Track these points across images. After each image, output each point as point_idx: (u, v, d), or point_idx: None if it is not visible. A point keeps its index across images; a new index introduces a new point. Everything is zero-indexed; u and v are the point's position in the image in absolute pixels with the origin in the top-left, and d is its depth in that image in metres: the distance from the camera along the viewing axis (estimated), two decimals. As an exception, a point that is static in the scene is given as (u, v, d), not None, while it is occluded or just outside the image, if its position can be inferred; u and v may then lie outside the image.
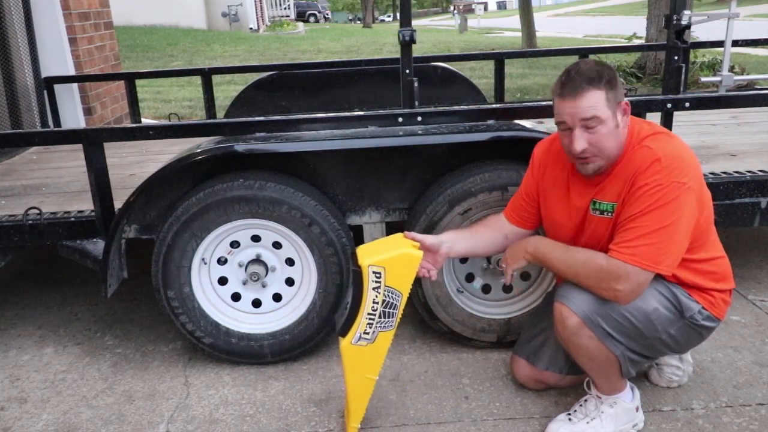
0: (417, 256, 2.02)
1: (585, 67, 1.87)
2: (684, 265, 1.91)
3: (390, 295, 2.00)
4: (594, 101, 1.83)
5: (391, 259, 1.99)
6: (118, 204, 2.51)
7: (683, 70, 2.52)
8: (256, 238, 2.50)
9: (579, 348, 1.95)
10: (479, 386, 2.37)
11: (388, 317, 2.02)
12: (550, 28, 25.77)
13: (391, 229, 2.67)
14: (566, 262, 1.94)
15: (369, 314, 2.00)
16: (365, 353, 2.04)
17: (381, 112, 2.52)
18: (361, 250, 2.05)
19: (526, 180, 2.22)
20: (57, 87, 4.27)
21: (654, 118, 2.49)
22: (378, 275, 1.97)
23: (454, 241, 2.15)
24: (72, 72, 4.46)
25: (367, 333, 2.02)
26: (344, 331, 2.03)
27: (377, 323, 2.02)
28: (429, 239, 2.10)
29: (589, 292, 1.90)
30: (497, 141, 2.42)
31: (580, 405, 2.10)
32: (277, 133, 2.44)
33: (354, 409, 2.11)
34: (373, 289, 1.98)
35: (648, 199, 1.80)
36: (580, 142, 1.86)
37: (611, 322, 1.90)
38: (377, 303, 2.00)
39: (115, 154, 3.49)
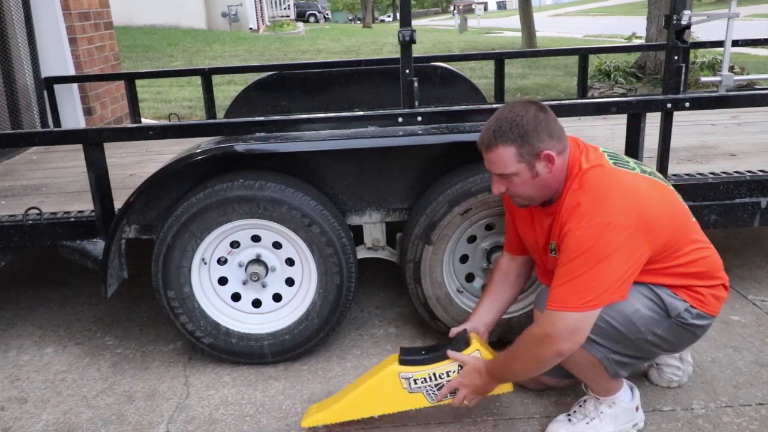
0: None
1: (505, 116, 1.85)
2: (663, 272, 1.90)
3: None
4: (501, 158, 1.86)
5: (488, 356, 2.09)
6: (118, 204, 2.51)
7: (683, 70, 2.51)
8: (256, 238, 2.50)
9: None
10: (479, 386, 2.37)
11: (440, 390, 2.09)
12: (550, 28, 25.74)
13: (391, 228, 2.68)
14: (511, 361, 1.96)
15: (434, 375, 2.07)
16: (395, 393, 2.09)
17: (381, 112, 2.51)
18: (476, 337, 2.13)
19: (506, 211, 2.25)
20: (57, 87, 4.27)
21: (654, 118, 2.49)
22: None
23: (482, 320, 2.22)
24: (72, 72, 4.46)
25: (416, 383, 2.08)
26: (408, 362, 2.08)
27: (429, 387, 2.08)
28: (467, 327, 2.20)
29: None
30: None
31: (580, 406, 2.11)
32: (277, 133, 2.44)
33: (337, 413, 2.11)
34: (460, 366, 2.06)
35: (571, 244, 1.80)
36: (497, 186, 1.95)
37: None
38: (448, 376, 2.06)
39: (115, 154, 3.49)
